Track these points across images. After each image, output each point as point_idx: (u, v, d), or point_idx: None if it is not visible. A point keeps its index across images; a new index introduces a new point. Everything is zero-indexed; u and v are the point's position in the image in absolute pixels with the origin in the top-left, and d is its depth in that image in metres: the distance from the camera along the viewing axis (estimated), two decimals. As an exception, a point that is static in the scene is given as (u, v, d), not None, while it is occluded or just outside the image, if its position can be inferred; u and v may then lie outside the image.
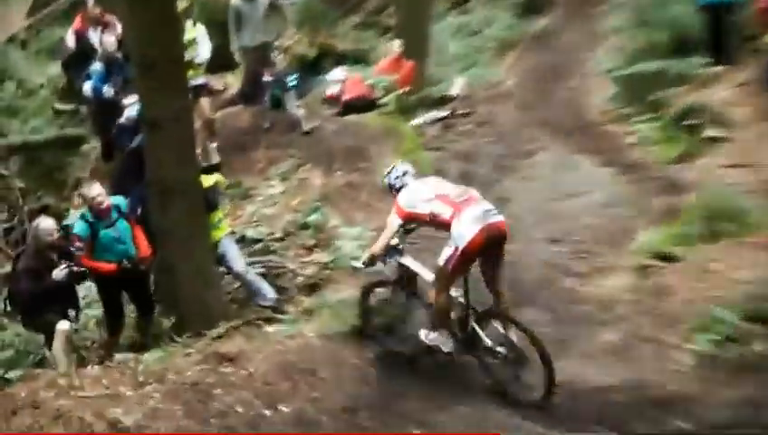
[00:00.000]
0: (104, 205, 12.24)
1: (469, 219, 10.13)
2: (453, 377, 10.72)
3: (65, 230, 13.03)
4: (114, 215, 12.41)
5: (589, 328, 11.57)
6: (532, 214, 15.73)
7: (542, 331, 11.47)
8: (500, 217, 10.35)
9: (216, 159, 16.67)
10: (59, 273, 11.96)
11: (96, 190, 12.33)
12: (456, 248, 10.11)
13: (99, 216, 12.28)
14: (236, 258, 13.29)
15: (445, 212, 10.33)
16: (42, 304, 12.17)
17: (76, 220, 12.77)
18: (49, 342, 12.26)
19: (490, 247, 10.25)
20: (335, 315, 11.88)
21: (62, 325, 12.07)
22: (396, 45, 20.87)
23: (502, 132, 19.76)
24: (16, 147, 19.08)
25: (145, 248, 12.55)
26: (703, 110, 17.69)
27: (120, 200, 12.67)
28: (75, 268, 12.06)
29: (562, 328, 11.75)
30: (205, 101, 16.76)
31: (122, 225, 12.47)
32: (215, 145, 17.11)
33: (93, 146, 18.78)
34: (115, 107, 15.89)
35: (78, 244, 12.25)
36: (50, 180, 19.16)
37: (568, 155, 18.02)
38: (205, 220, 13.01)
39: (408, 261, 11.10)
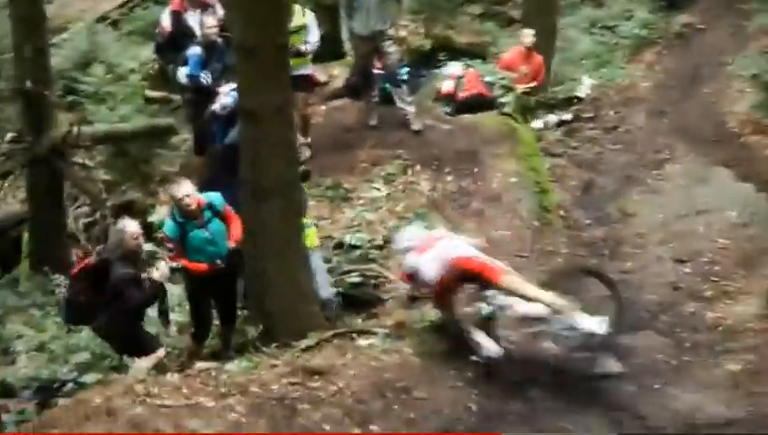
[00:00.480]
0: (192, 206, 12.31)
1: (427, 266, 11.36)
2: (562, 400, 10.75)
3: (149, 229, 13.35)
4: (207, 214, 12.52)
5: (712, 357, 11.57)
6: (658, 231, 15.83)
7: (660, 357, 11.71)
8: (455, 253, 11.34)
9: (305, 155, 16.64)
10: (162, 272, 12.21)
11: (184, 190, 12.37)
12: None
13: (188, 216, 12.38)
14: (322, 282, 13.43)
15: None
16: (141, 315, 12.54)
17: (166, 219, 12.95)
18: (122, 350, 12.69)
19: (462, 283, 11.41)
20: (436, 332, 11.94)
21: (161, 352, 12.45)
22: (527, 36, 20.46)
23: (630, 140, 19.80)
24: (102, 136, 19.01)
25: (237, 235, 12.65)
26: None
27: (214, 197, 12.72)
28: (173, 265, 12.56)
29: (683, 355, 11.82)
30: (301, 94, 16.59)
31: (215, 225, 12.56)
32: (307, 141, 17.22)
33: (184, 138, 18.92)
34: (212, 96, 16.01)
35: (168, 245, 12.70)
36: (136, 173, 19.31)
37: (702, 167, 17.92)
38: (301, 225, 13.05)
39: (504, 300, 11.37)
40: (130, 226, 12.36)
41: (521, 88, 19.81)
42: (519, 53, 20.41)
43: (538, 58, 20.55)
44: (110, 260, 12.10)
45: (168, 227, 12.54)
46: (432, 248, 11.43)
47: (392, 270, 14.13)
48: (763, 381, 10.65)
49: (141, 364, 12.09)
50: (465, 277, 11.31)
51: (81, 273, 12.40)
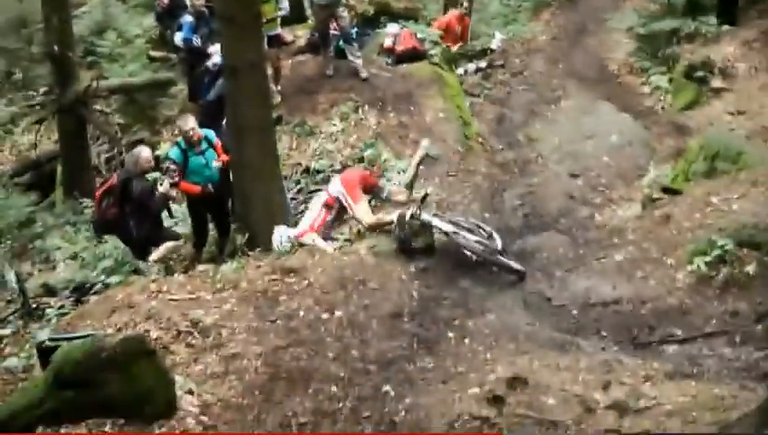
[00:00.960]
0: (195, 137, 12.76)
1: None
2: (486, 288, 10.83)
3: (155, 161, 13.44)
4: (204, 145, 12.90)
5: (601, 250, 11.60)
6: (556, 152, 15.93)
7: (561, 251, 11.78)
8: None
9: (276, 100, 16.67)
10: (165, 186, 12.49)
11: (190, 124, 12.86)
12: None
13: (191, 144, 12.78)
14: None
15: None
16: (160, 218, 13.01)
17: (172, 147, 13.34)
18: (140, 253, 12.78)
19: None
20: (384, 236, 11.89)
21: (181, 242, 13.17)
22: (464, 3, 20.81)
23: (532, 82, 19.72)
24: (116, 88, 19.25)
25: (224, 159, 13.00)
26: (710, 64, 17.60)
27: (209, 132, 13.12)
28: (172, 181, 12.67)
29: (579, 249, 11.90)
30: (273, 51, 16.78)
31: (210, 153, 12.93)
32: (278, 88, 17.26)
33: (181, 88, 18.98)
34: (202, 55, 16.25)
35: (172, 166, 12.75)
36: (144, 117, 19.37)
37: (590, 102, 17.93)
38: (275, 154, 13.26)
39: None
40: (145, 151, 12.90)
41: (455, 48, 20.08)
42: (455, 16, 20.53)
43: (468, 20, 20.83)
44: (131, 178, 12.43)
45: (174, 153, 12.94)
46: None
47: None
48: (641, 267, 10.70)
49: (160, 253, 12.64)
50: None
51: (105, 193, 12.63)
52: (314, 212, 12.09)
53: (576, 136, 16.30)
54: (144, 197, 12.37)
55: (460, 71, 20.03)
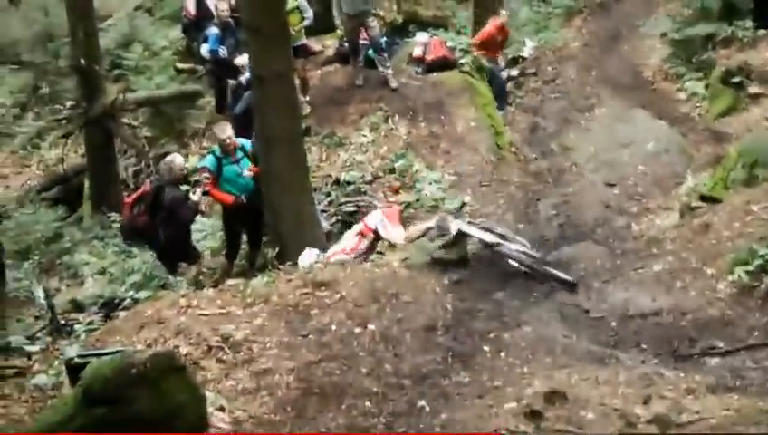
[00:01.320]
0: (231, 145, 12.87)
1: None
2: (521, 300, 10.80)
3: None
4: (239, 153, 12.97)
5: (639, 260, 11.52)
6: (591, 161, 15.88)
7: (598, 262, 11.69)
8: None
9: (305, 110, 16.68)
10: (198, 195, 12.73)
11: (227, 132, 12.97)
12: None
13: (226, 153, 12.88)
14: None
15: None
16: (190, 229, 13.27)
17: (207, 155, 13.49)
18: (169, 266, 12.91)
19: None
20: (418, 249, 11.86)
21: (205, 257, 13.45)
22: (503, 14, 20.45)
23: (566, 89, 19.73)
24: (143, 101, 19.38)
25: (257, 169, 12.93)
26: (747, 69, 17.49)
27: (244, 141, 13.17)
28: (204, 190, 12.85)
29: (616, 260, 11.84)
30: (300, 61, 16.64)
31: (245, 163, 12.98)
32: (307, 99, 17.22)
33: (208, 100, 19.13)
34: (228, 66, 16.38)
35: (205, 175, 12.87)
36: (171, 129, 19.54)
37: (624, 109, 17.88)
38: (304, 166, 13.26)
39: None
40: (178, 158, 13.26)
41: (500, 59, 19.98)
42: (495, 27, 20.15)
43: (508, 30, 20.48)
44: (163, 185, 12.67)
45: (209, 160, 13.05)
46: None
47: (379, 199, 14.20)
48: (680, 278, 10.59)
49: (192, 273, 13.16)
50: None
51: (137, 199, 12.93)
52: (347, 240, 12.24)
53: (611, 144, 16.22)
54: (175, 204, 12.52)
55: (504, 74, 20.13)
